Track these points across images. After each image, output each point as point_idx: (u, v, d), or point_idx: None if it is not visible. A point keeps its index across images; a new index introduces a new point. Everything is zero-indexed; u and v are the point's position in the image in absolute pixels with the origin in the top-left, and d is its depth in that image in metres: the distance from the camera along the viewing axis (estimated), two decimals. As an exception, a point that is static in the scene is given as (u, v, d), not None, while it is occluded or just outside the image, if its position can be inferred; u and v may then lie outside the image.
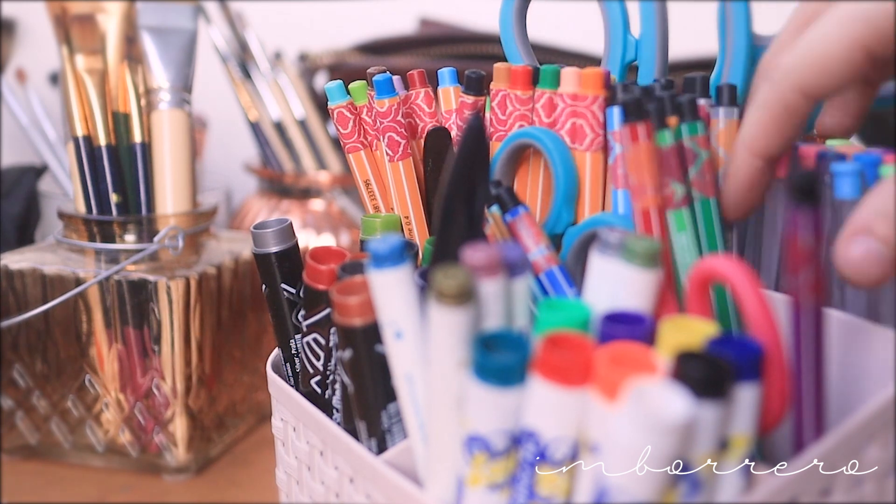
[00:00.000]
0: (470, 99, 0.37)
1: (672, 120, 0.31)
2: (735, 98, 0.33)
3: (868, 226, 0.26)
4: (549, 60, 0.37)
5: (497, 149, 0.36)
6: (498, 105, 0.36)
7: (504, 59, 0.39)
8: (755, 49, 0.36)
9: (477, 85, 0.37)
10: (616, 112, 0.33)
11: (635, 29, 0.37)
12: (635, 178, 0.30)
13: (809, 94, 0.29)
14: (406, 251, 0.27)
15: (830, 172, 0.31)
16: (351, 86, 0.38)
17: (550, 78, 0.35)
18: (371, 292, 0.28)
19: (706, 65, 0.38)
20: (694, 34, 0.54)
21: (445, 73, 0.39)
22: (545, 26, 0.63)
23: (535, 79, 0.36)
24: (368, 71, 0.38)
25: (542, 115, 0.35)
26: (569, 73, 0.34)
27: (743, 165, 0.31)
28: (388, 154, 0.38)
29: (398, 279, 0.27)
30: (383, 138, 0.38)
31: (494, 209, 0.32)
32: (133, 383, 0.50)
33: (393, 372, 0.28)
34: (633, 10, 0.37)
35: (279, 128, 0.71)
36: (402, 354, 0.28)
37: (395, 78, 0.38)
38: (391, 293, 0.27)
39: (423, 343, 0.27)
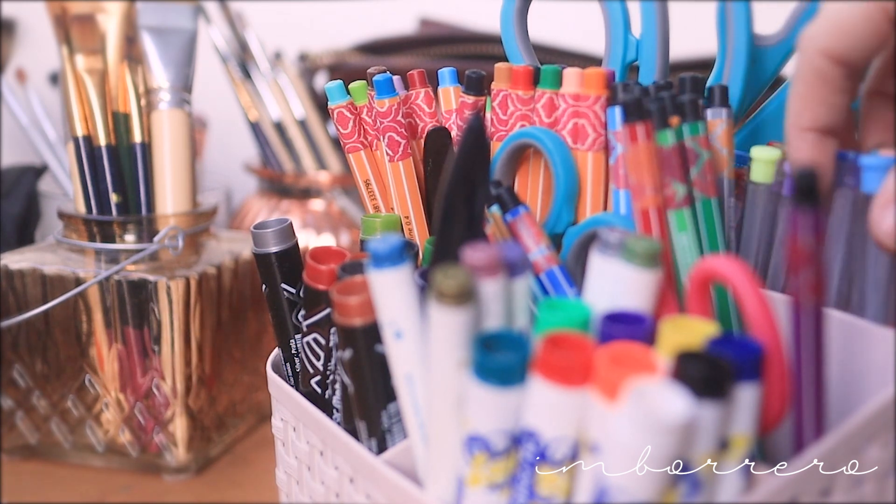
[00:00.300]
0: (470, 99, 0.37)
1: (674, 120, 0.31)
2: (726, 98, 0.33)
3: None
4: (549, 60, 0.37)
5: (497, 150, 0.36)
6: (499, 105, 0.36)
7: (505, 59, 0.39)
8: (756, 49, 0.36)
9: (477, 85, 0.37)
10: (617, 112, 0.32)
11: (636, 29, 0.37)
12: (635, 179, 0.30)
13: (836, 57, 0.30)
14: (406, 251, 0.27)
15: (858, 166, 0.31)
16: (351, 86, 0.38)
17: (551, 78, 0.35)
18: (371, 292, 0.28)
19: (706, 65, 0.38)
20: (694, 34, 0.54)
21: (445, 73, 0.39)
22: (546, 26, 0.64)
23: (536, 79, 0.36)
24: (369, 71, 0.38)
25: (542, 115, 0.35)
26: (571, 74, 0.34)
27: (797, 144, 0.31)
28: (388, 154, 0.38)
29: (398, 279, 0.27)
30: (383, 138, 0.38)
31: (495, 209, 0.32)
32: (133, 383, 0.50)
33: (393, 372, 0.28)
34: (634, 9, 0.37)
35: (279, 128, 0.71)
36: (401, 354, 0.28)
37: (395, 78, 0.38)
38: (391, 293, 0.27)
39: (422, 343, 0.27)
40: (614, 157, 0.32)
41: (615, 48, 0.37)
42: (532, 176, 0.36)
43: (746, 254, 0.34)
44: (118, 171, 0.51)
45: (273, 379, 0.35)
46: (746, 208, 0.34)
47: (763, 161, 0.33)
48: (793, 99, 0.31)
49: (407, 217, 0.38)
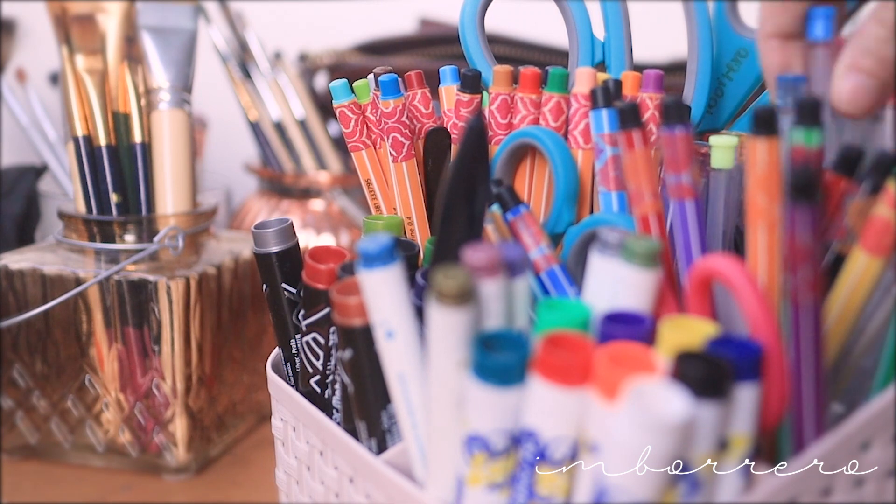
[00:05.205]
0: (465, 97, 0.37)
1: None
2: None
3: (855, 62, 0.30)
4: (551, 61, 0.37)
5: (495, 152, 0.36)
6: (497, 109, 0.36)
7: (506, 61, 0.38)
8: (748, 42, 0.36)
9: (472, 83, 0.37)
10: (604, 115, 0.32)
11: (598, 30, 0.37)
12: (633, 185, 0.30)
13: None
14: (396, 250, 0.27)
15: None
16: (354, 84, 0.38)
17: (559, 82, 0.35)
18: (362, 292, 0.28)
19: (680, 67, 0.38)
20: (670, 36, 0.54)
21: (447, 71, 0.39)
22: (552, 26, 0.64)
23: (544, 81, 0.36)
24: (375, 71, 0.37)
25: (549, 118, 0.35)
26: (584, 74, 0.34)
27: (764, 51, 0.34)
28: (391, 154, 0.38)
29: (388, 278, 0.27)
30: (387, 139, 0.38)
31: (495, 208, 0.32)
32: (133, 383, 0.50)
33: (385, 372, 0.28)
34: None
35: (279, 128, 0.71)
36: (393, 354, 0.28)
37: (395, 79, 0.38)
38: (381, 293, 0.27)
39: (415, 342, 0.27)
40: (602, 160, 0.32)
41: (583, 49, 0.37)
42: (531, 175, 0.36)
43: (710, 240, 0.34)
44: (118, 171, 0.51)
45: (273, 379, 0.35)
46: (710, 195, 0.33)
47: (722, 148, 0.33)
48: (760, 10, 0.33)
49: (409, 218, 0.38)
